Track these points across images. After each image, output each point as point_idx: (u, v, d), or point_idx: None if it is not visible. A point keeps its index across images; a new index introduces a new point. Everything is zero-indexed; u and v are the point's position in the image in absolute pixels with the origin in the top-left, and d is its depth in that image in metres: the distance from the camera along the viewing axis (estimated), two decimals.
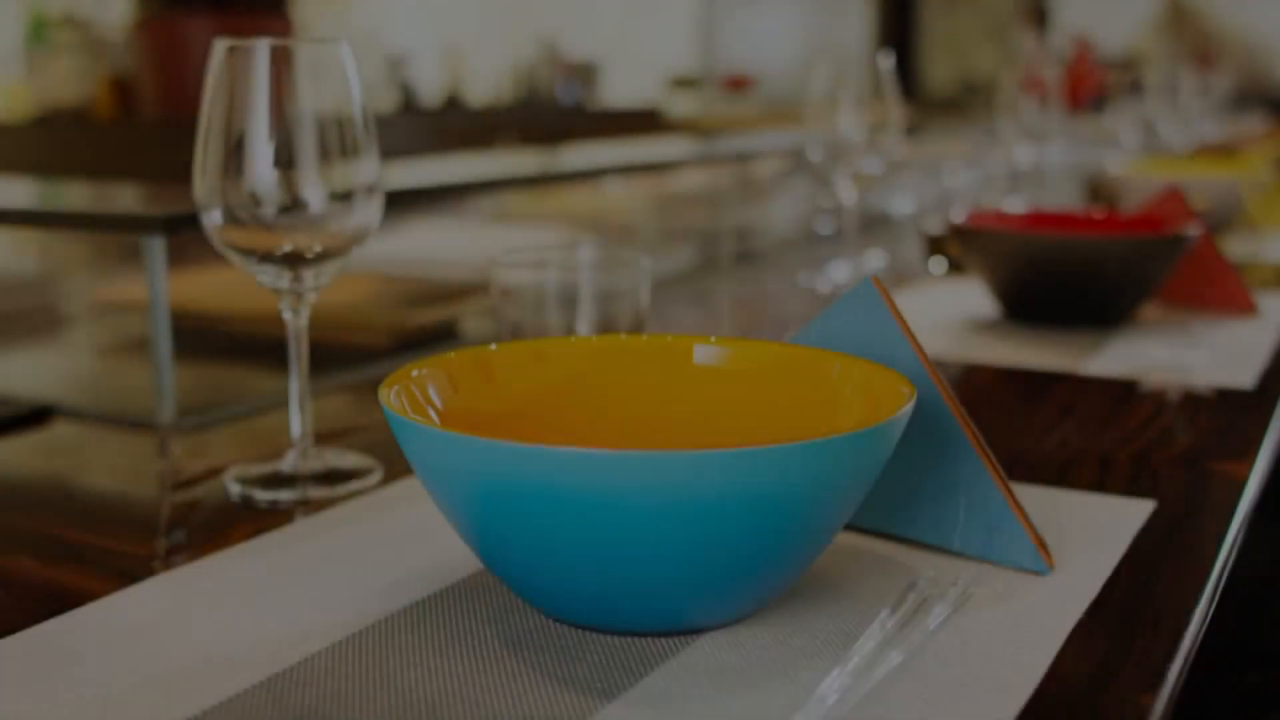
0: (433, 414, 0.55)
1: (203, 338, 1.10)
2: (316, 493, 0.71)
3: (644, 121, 4.44)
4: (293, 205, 0.68)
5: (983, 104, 1.90)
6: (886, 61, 1.37)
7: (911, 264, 1.55)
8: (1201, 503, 0.69)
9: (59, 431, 0.84)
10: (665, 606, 0.51)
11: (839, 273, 1.42)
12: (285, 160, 0.68)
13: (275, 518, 0.67)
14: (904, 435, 0.62)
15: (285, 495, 0.71)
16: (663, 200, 1.94)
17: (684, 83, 6.63)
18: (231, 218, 0.68)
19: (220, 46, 0.68)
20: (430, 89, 4.63)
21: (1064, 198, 2.14)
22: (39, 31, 2.94)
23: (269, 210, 0.68)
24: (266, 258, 0.70)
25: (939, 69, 8.18)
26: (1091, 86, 3.00)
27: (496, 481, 0.47)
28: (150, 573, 0.59)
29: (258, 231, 0.69)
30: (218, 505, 0.70)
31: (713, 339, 0.62)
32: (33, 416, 0.84)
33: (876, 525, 0.63)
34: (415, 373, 0.55)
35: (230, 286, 1.05)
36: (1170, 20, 7.49)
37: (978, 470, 0.60)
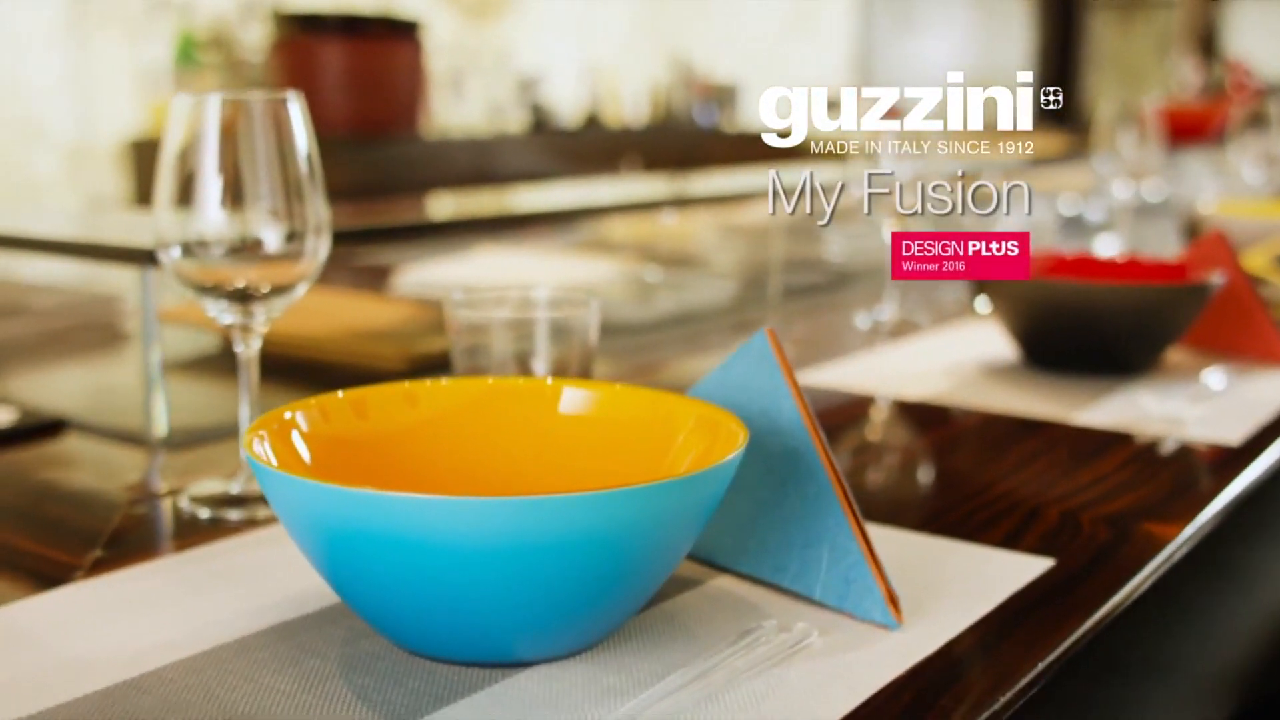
0: (303, 451, 0.59)
1: (208, 357, 1.17)
2: (265, 512, 0.76)
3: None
4: (244, 245, 0.74)
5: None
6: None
7: (962, 302, 1.54)
8: (1102, 566, 0.69)
9: (64, 444, 0.91)
10: (488, 641, 0.54)
11: (883, 312, 1.42)
12: (237, 202, 0.73)
13: (221, 534, 0.72)
14: (780, 485, 0.64)
15: (232, 514, 0.76)
16: (738, 229, 1.96)
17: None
18: (188, 254, 0.74)
19: (181, 100, 0.74)
20: (572, 109, 4.73)
21: (1163, 237, 2.09)
22: (188, 52, 3.12)
23: (221, 249, 0.74)
24: (219, 293, 0.75)
25: (1109, 92, 7.97)
26: (1223, 117, 2.91)
27: (334, 523, 0.52)
28: (70, 581, 0.65)
29: (211, 268, 0.74)
30: (169, 520, 0.76)
31: (563, 384, 0.65)
32: (46, 428, 0.92)
33: (749, 570, 0.65)
34: (288, 414, 0.60)
35: None
36: None
37: (840, 523, 0.62)
